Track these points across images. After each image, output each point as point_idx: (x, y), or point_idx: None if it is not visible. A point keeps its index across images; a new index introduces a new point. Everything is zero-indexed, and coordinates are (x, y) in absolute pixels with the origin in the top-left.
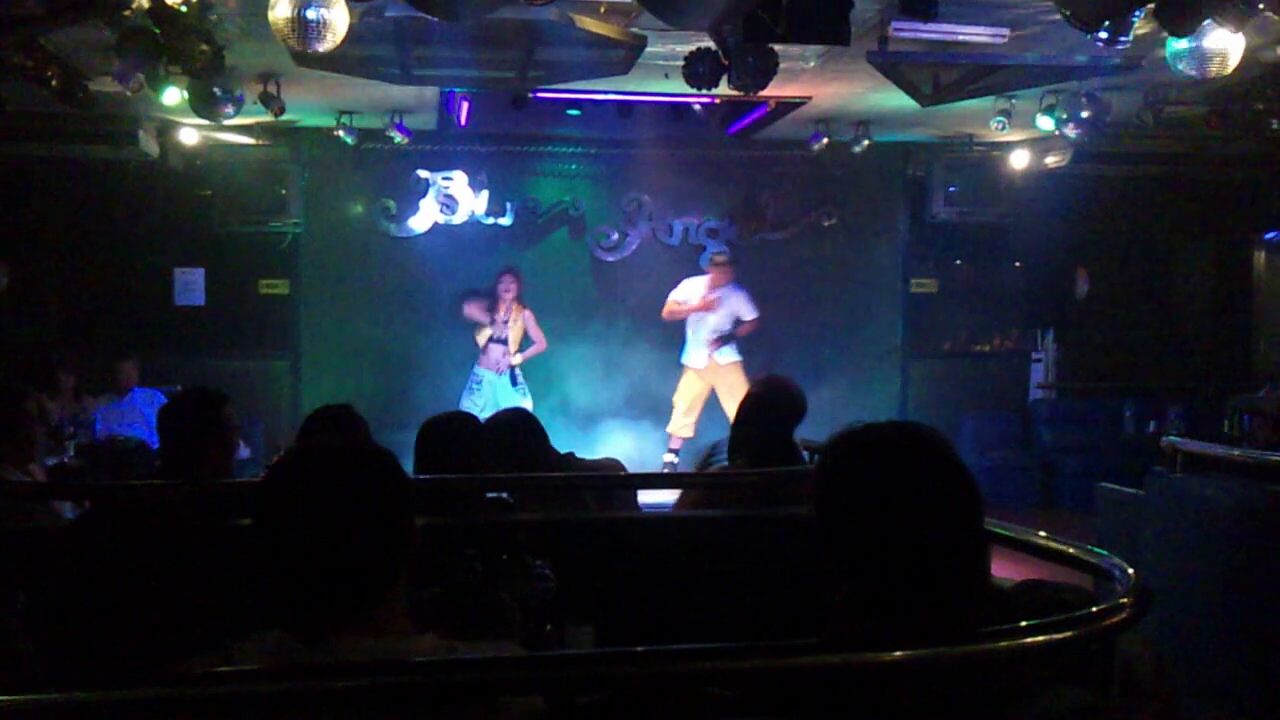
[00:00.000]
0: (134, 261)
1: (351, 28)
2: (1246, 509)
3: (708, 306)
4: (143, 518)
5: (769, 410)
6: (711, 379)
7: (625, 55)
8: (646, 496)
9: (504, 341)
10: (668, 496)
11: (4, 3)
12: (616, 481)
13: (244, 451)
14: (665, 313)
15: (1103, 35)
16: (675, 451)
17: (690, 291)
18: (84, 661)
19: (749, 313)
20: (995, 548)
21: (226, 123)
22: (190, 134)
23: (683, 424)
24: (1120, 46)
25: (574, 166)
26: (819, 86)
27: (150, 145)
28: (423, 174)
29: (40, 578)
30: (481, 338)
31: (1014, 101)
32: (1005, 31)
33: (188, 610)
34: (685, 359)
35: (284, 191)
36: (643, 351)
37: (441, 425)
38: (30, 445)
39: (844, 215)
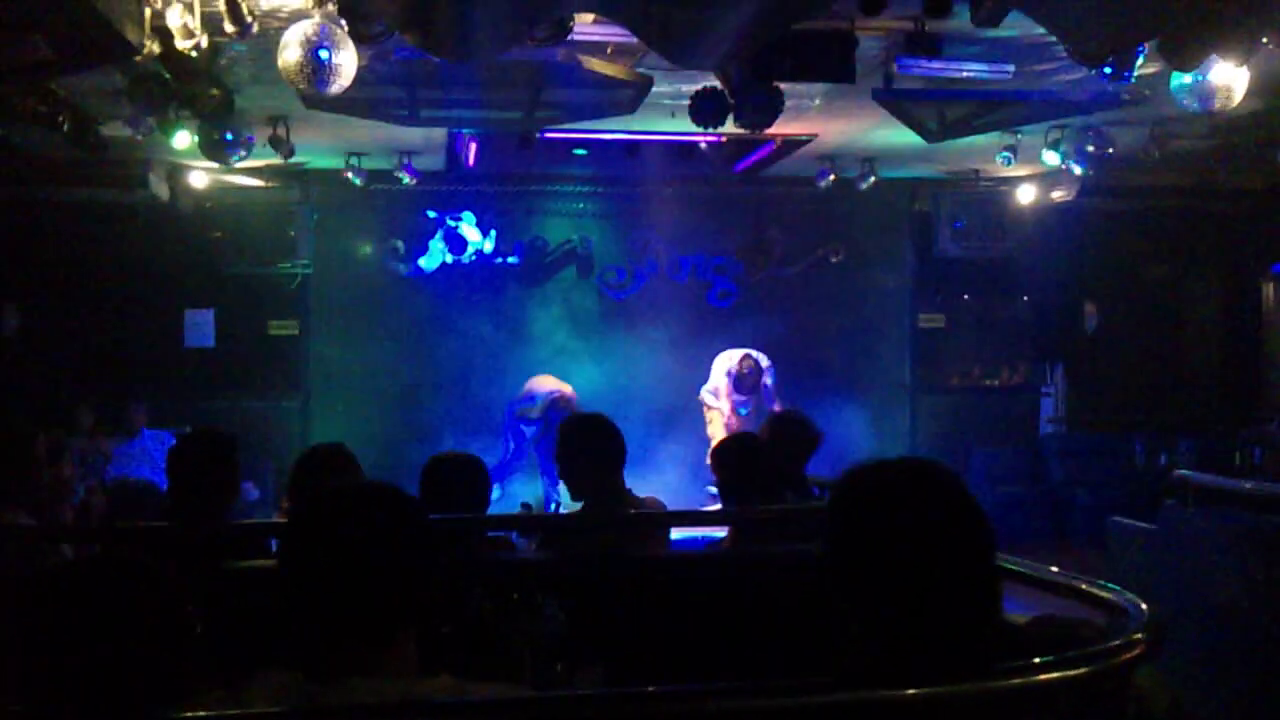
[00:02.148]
0: (144, 303)
1: (360, 70)
2: (1258, 542)
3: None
4: (151, 559)
5: (787, 442)
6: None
7: (632, 95)
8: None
9: None
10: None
11: (16, 48)
12: (623, 521)
13: (254, 493)
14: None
15: (1107, 70)
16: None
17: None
18: (91, 704)
19: (774, 405)
20: (1007, 583)
21: (236, 165)
22: (200, 177)
23: None
24: (1125, 82)
25: (581, 205)
26: (825, 124)
27: (160, 188)
28: (431, 214)
29: (44, 619)
30: None
31: (1020, 137)
32: (1010, 68)
33: (196, 651)
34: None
35: (293, 233)
36: (653, 390)
37: (445, 464)
38: (38, 487)
39: (851, 251)
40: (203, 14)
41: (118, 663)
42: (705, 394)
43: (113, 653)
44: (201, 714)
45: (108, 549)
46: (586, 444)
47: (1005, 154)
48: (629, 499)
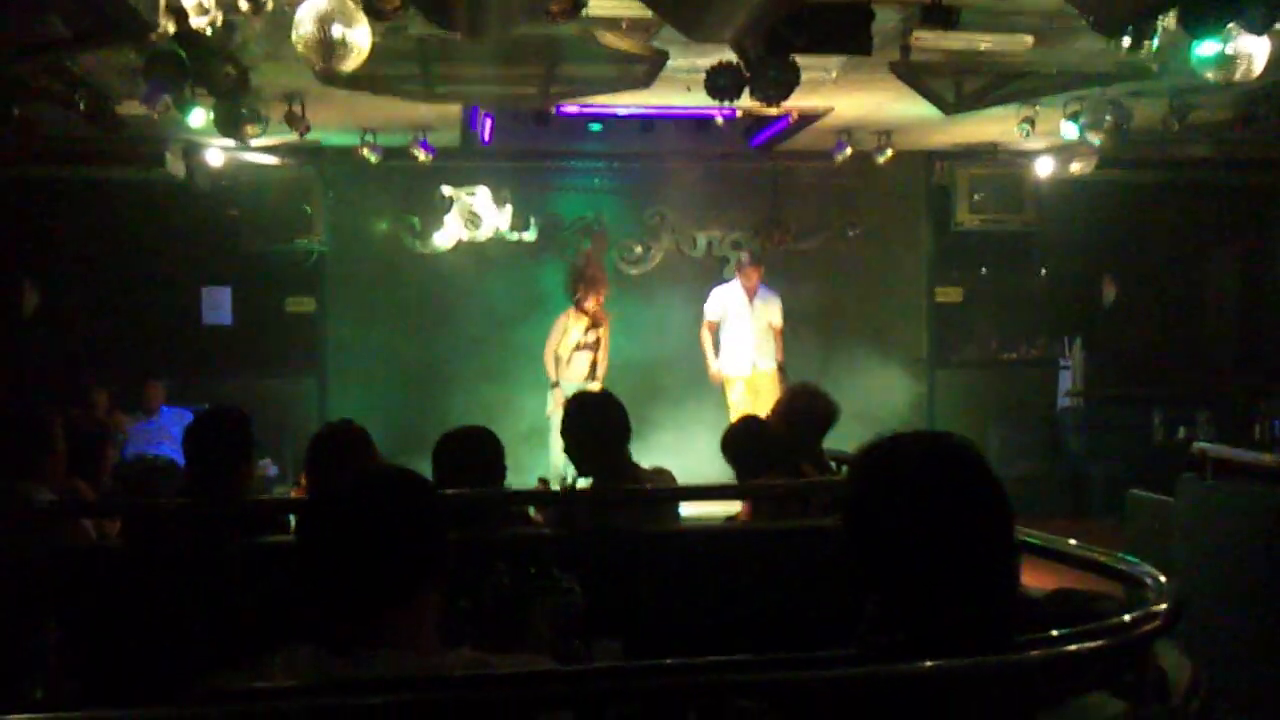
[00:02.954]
0: (161, 281)
1: (374, 46)
2: (1278, 514)
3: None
4: (174, 536)
5: (802, 416)
6: (752, 386)
7: (647, 70)
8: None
9: (592, 348)
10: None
11: (32, 26)
12: (638, 494)
13: (272, 469)
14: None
15: (1126, 41)
16: None
17: (723, 303)
18: (116, 679)
19: (778, 319)
20: (1026, 557)
21: (252, 143)
22: (216, 154)
23: None
24: (1143, 52)
25: (597, 181)
26: (841, 97)
27: (177, 166)
28: (447, 191)
29: (72, 597)
30: (566, 349)
31: (1038, 109)
32: (1028, 39)
33: (220, 626)
34: (721, 366)
35: (309, 210)
36: (668, 365)
37: (459, 439)
38: (58, 464)
39: (868, 225)
40: None
41: (146, 637)
42: (709, 317)
43: (140, 628)
44: (225, 689)
45: (128, 525)
46: (590, 420)
47: (1023, 126)
48: (636, 473)
